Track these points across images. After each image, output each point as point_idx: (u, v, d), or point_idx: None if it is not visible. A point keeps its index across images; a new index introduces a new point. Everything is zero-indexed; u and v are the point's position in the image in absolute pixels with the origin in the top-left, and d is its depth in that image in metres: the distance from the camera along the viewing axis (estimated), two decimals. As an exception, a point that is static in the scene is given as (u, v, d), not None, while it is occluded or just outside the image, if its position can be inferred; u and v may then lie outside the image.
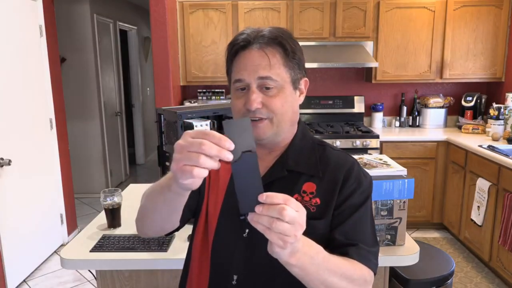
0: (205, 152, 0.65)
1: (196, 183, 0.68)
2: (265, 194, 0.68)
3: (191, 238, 1.06)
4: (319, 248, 0.80)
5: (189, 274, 1.05)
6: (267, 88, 0.91)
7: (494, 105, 3.50)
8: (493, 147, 2.98)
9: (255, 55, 0.91)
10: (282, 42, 0.92)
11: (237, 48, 0.93)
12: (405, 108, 4.03)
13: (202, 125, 1.52)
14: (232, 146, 0.67)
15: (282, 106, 0.92)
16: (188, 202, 0.86)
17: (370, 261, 0.92)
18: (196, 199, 1.01)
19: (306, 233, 0.72)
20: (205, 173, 0.67)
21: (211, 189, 1.01)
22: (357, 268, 0.88)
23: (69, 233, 3.59)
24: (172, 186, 0.75)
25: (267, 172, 0.98)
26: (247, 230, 0.95)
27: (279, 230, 0.67)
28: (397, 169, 1.48)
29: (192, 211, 1.02)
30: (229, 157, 0.66)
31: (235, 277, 0.95)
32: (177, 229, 1.01)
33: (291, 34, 0.96)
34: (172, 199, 0.82)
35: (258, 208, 0.68)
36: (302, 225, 0.70)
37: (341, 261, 0.86)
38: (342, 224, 0.93)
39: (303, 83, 0.99)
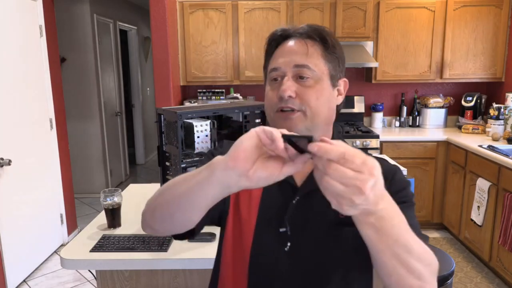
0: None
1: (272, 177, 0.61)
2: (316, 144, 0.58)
3: (217, 253, 0.99)
4: (402, 217, 0.68)
5: None
6: (302, 78, 0.86)
7: (494, 105, 3.50)
8: (493, 147, 2.98)
9: (293, 44, 0.89)
10: (323, 35, 0.89)
11: (276, 38, 0.92)
12: (405, 108, 4.03)
13: (202, 125, 1.52)
14: (278, 133, 0.60)
15: (317, 99, 0.86)
16: (211, 210, 0.76)
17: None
18: (220, 208, 0.92)
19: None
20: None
21: (241, 203, 0.93)
22: (432, 253, 0.73)
23: (69, 233, 3.59)
24: (219, 176, 0.64)
25: (306, 181, 0.90)
26: (288, 244, 0.88)
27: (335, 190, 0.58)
28: (397, 169, 1.47)
29: (210, 218, 0.90)
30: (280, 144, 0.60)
31: None
32: (190, 235, 0.89)
33: (332, 32, 0.94)
34: (203, 190, 0.68)
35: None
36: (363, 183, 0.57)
37: (419, 240, 0.72)
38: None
39: (342, 84, 0.94)
